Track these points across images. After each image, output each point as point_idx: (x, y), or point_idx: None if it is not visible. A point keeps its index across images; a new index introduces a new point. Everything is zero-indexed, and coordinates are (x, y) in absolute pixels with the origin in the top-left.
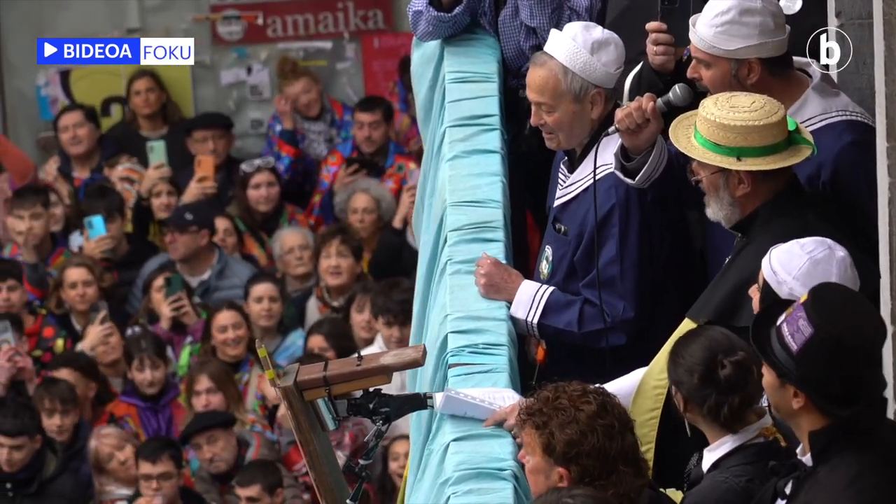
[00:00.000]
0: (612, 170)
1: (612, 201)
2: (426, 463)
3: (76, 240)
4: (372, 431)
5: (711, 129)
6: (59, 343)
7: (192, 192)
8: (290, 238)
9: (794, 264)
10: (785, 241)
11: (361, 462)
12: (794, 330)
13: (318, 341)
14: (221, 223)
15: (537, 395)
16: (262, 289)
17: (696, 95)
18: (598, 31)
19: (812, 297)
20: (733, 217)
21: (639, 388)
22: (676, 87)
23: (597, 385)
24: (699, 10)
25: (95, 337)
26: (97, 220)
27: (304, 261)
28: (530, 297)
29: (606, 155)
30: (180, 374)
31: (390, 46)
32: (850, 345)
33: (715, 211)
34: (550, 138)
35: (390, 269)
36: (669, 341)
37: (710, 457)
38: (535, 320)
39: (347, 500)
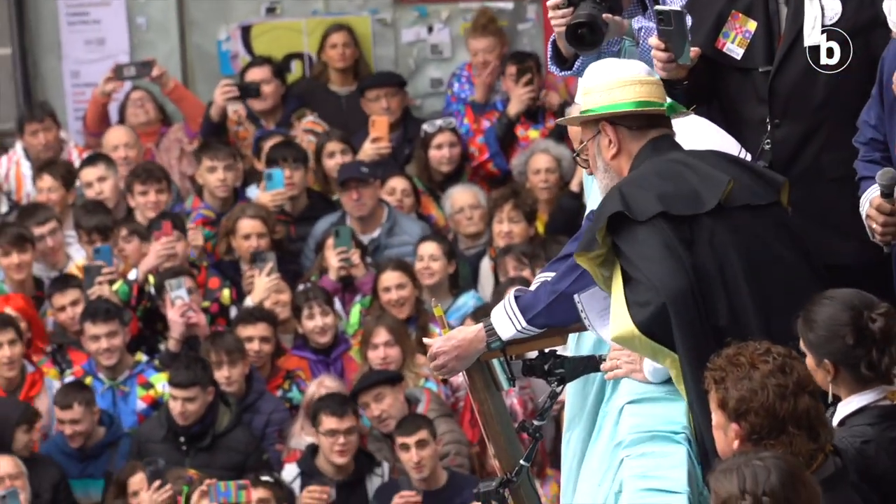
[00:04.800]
0: None
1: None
2: (601, 425)
3: (253, 192)
4: (547, 392)
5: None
6: (226, 293)
7: (367, 152)
8: (461, 197)
9: None
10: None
11: (535, 423)
12: None
13: None
14: (399, 183)
15: (724, 351)
16: (425, 247)
17: None
18: None
19: None
20: (612, 184)
21: None
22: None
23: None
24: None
25: (263, 288)
26: (277, 174)
27: (474, 220)
28: (503, 315)
29: None
30: (350, 332)
31: None
32: None
33: (598, 183)
34: None
35: (565, 233)
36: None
37: (841, 411)
38: (525, 324)
39: (521, 461)
